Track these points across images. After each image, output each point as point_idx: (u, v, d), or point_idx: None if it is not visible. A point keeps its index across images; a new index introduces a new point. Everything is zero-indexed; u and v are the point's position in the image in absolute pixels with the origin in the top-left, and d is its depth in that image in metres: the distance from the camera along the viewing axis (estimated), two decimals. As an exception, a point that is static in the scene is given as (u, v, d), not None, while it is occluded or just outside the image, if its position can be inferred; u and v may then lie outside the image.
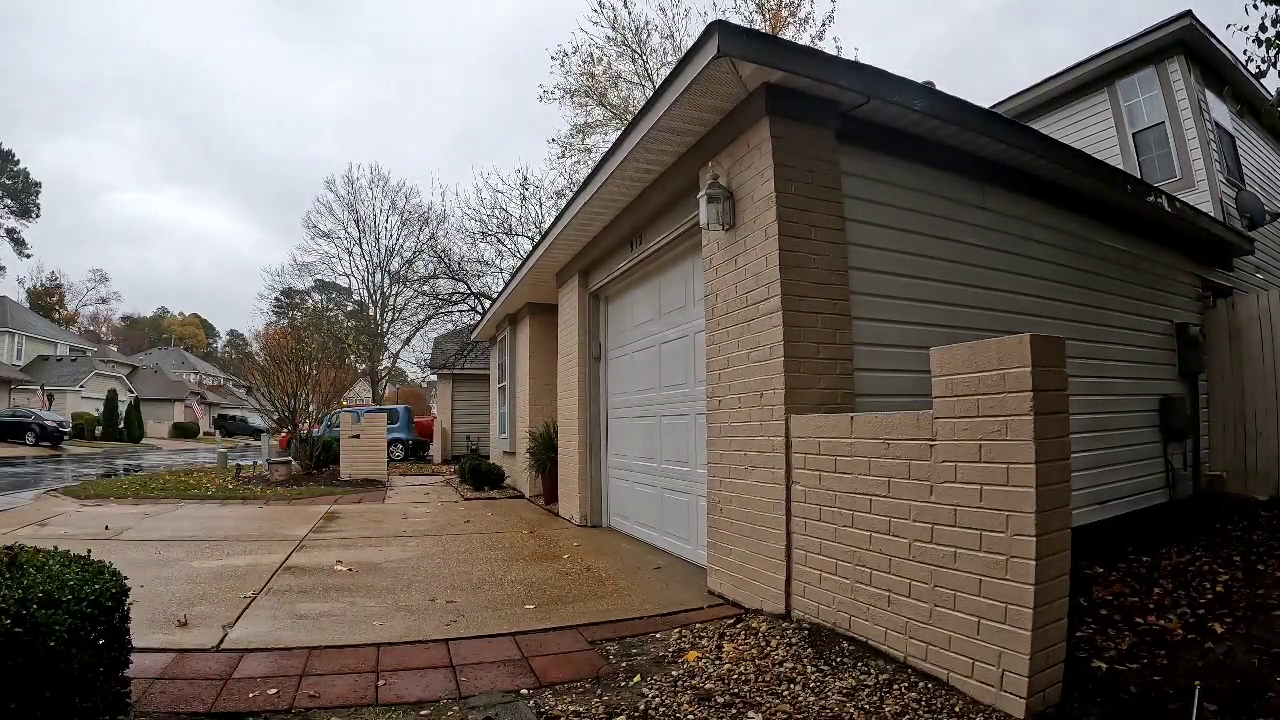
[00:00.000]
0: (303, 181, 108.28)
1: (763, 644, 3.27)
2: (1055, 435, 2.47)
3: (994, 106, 9.44)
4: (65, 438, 26.31)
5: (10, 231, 47.99)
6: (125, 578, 2.26)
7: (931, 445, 2.80)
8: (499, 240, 20.35)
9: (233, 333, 66.52)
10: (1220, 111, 8.78)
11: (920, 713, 2.49)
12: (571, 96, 19.21)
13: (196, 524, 6.90)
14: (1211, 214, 7.59)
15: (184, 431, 39.42)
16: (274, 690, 2.73)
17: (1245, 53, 5.03)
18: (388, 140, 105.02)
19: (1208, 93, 8.59)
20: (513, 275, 9.53)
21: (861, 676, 2.82)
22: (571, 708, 2.62)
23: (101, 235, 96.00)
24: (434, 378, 23.06)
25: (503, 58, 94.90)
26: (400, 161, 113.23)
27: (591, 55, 18.58)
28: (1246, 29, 4.75)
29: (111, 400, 32.32)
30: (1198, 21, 8.16)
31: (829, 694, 2.68)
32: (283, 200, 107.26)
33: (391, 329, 32.00)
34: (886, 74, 3.85)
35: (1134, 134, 8.93)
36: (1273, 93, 8.12)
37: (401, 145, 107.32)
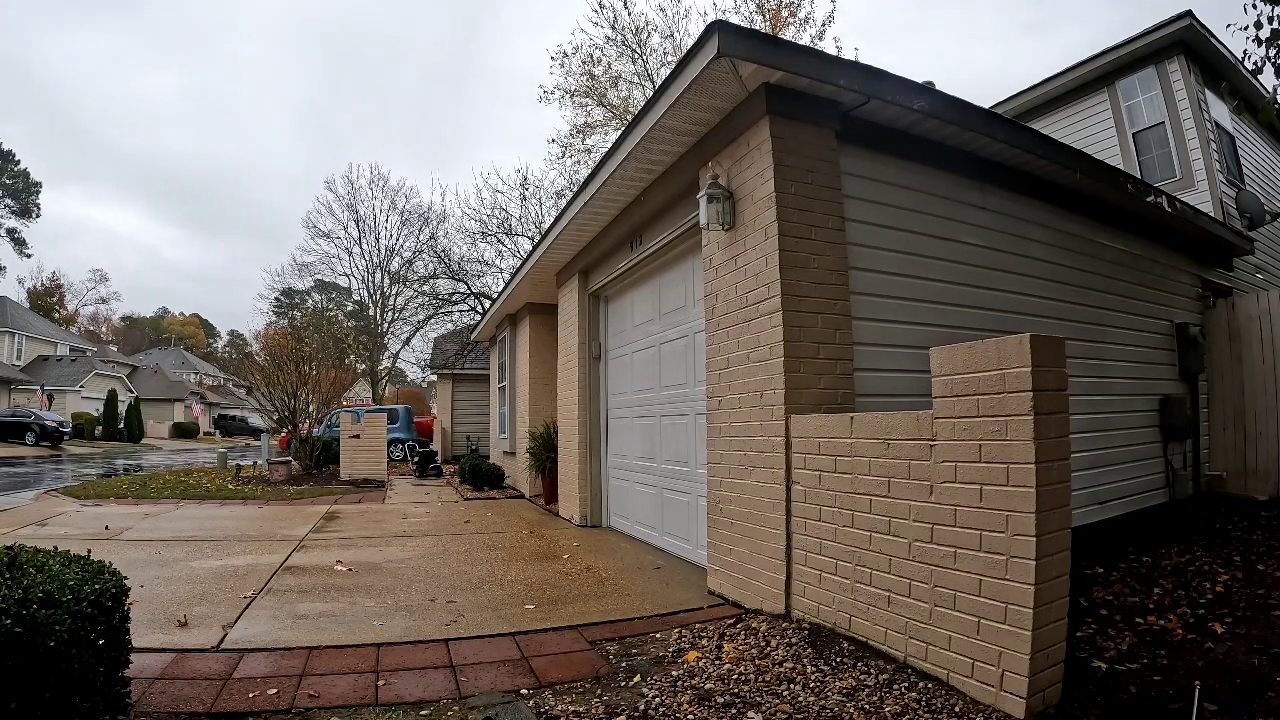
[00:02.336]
0: (180, 172, 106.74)
1: (763, 644, 3.27)
2: (1055, 435, 2.47)
3: (994, 106, 9.44)
4: (65, 438, 26.31)
5: (10, 231, 48.01)
6: (125, 578, 2.26)
7: (931, 445, 2.80)
8: (499, 240, 20.38)
9: (233, 333, 66.68)
10: (1220, 111, 8.78)
11: (920, 713, 2.49)
12: (571, 97, 19.24)
13: (196, 524, 6.90)
14: (1211, 214, 7.59)
15: (184, 431, 39.43)
16: (274, 690, 2.73)
17: (1245, 52, 5.02)
18: (230, 120, 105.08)
19: (1208, 93, 8.59)
20: (513, 275, 9.53)
21: (861, 676, 2.82)
22: (571, 708, 2.62)
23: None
24: (434, 378, 23.05)
25: (314, 22, 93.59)
26: (248, 142, 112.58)
27: (591, 55, 18.62)
28: (1246, 29, 4.74)
29: (111, 400, 32.33)
30: (1198, 21, 8.16)
31: (829, 694, 2.68)
32: (172, 191, 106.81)
33: (391, 329, 32.03)
34: (886, 74, 3.85)
35: (1134, 134, 8.94)
36: (1270, 91, 8.12)
37: (247, 125, 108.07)
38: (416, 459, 14.01)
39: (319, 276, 33.26)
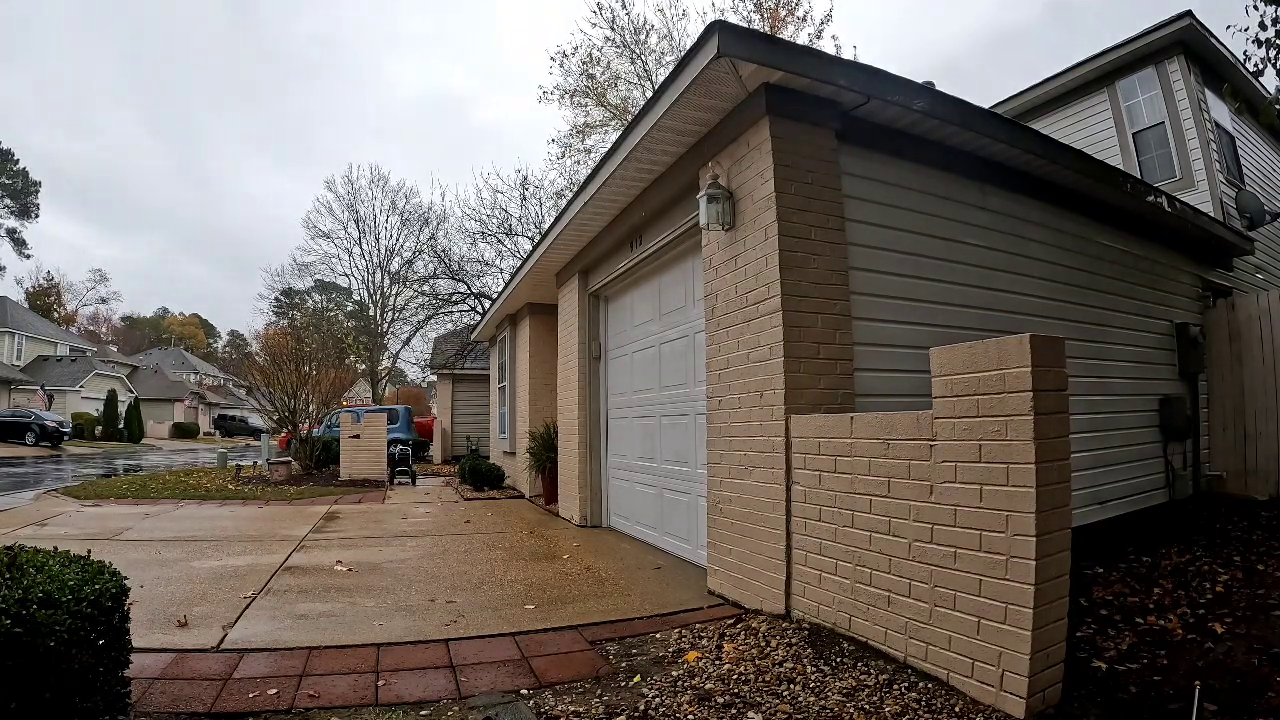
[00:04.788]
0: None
1: (763, 644, 3.27)
2: (1055, 435, 2.47)
3: (994, 106, 9.44)
4: (65, 438, 26.31)
5: (10, 231, 48.01)
6: (125, 578, 2.26)
7: (931, 445, 2.80)
8: (499, 240, 20.37)
9: (233, 333, 66.66)
10: (1220, 111, 8.78)
11: (920, 713, 2.49)
12: (571, 97, 19.25)
13: (196, 524, 6.90)
14: (1211, 214, 7.59)
15: (184, 431, 39.42)
16: (274, 690, 2.73)
17: (1245, 53, 5.02)
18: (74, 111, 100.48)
19: (1208, 93, 8.59)
20: (513, 275, 9.53)
21: (861, 676, 2.82)
22: (571, 708, 2.62)
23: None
24: (434, 378, 23.05)
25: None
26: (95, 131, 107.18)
27: (590, 56, 18.63)
28: (1246, 29, 4.74)
29: (111, 400, 32.32)
30: (1198, 22, 8.16)
31: (829, 694, 2.68)
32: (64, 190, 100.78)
33: (391, 329, 32.04)
34: (886, 74, 3.85)
35: (1134, 134, 8.94)
36: (1271, 91, 8.12)
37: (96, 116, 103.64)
38: (414, 457, 12.65)
39: (319, 276, 33.33)
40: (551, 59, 18.92)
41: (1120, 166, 8.08)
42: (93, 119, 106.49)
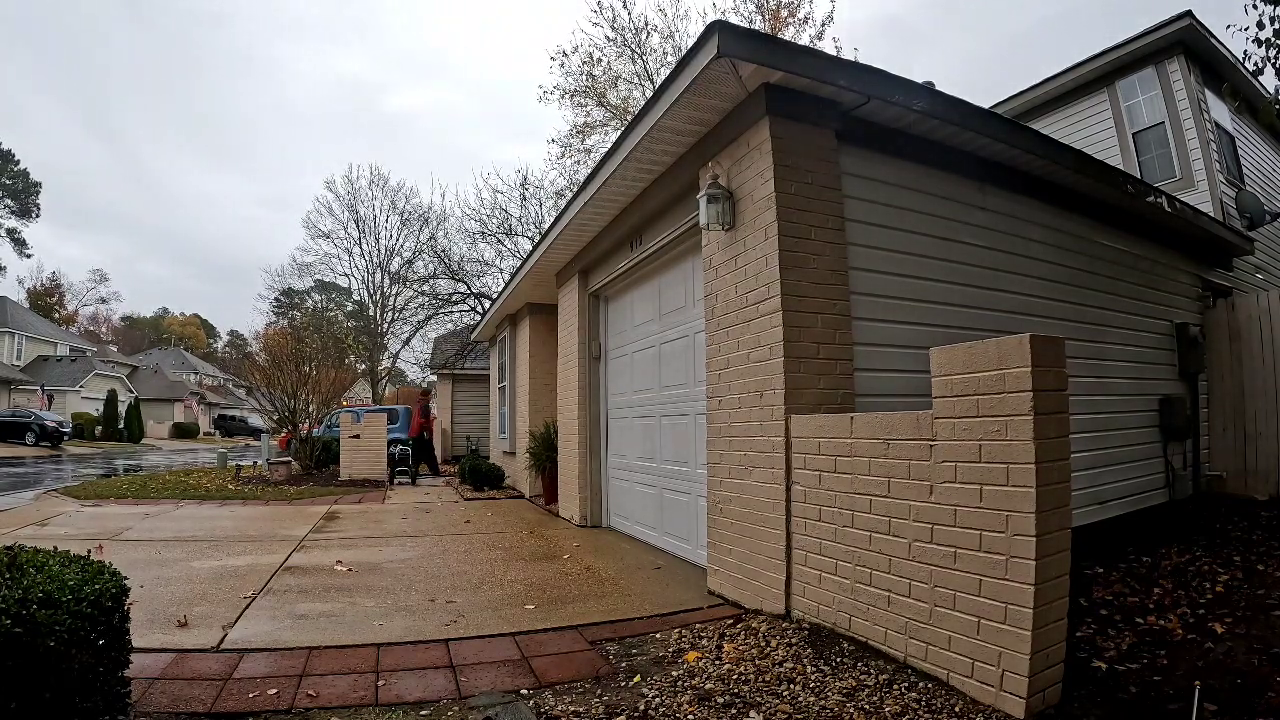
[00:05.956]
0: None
1: (763, 644, 3.27)
2: (1055, 435, 2.47)
3: (994, 106, 9.44)
4: (65, 438, 26.32)
5: (10, 231, 48.00)
6: (125, 578, 2.26)
7: (931, 445, 2.80)
8: (499, 240, 20.37)
9: (233, 333, 66.66)
10: (1220, 111, 8.78)
11: (920, 713, 2.49)
12: (571, 97, 19.25)
13: (196, 524, 6.90)
14: (1211, 214, 7.59)
15: (184, 432, 39.41)
16: (274, 690, 2.73)
17: (1245, 53, 5.03)
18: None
19: (1207, 93, 8.59)
20: (513, 275, 9.53)
21: (861, 676, 2.82)
22: (571, 708, 2.62)
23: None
24: (434, 378, 23.04)
25: None
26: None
27: (591, 56, 18.63)
28: (1246, 29, 4.74)
29: (111, 400, 32.33)
30: (1197, 22, 8.16)
31: (829, 694, 2.68)
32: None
33: (391, 329, 32.02)
34: (886, 74, 3.85)
35: (1134, 134, 8.94)
36: (1270, 91, 8.12)
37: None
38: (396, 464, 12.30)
39: (319, 277, 33.32)
40: (552, 59, 18.94)
41: (1120, 166, 8.08)
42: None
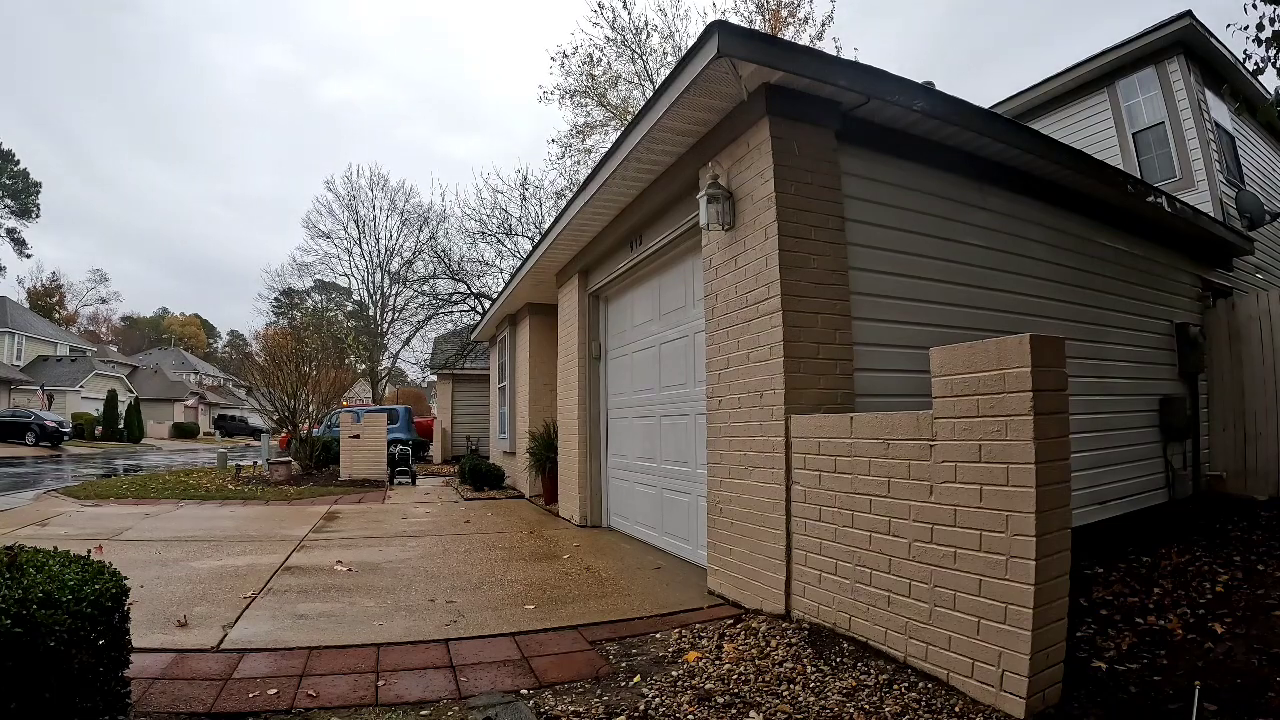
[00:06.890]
0: None
1: (763, 644, 3.27)
2: (1055, 435, 2.47)
3: (994, 106, 9.44)
4: (65, 438, 26.31)
5: (10, 231, 48.02)
6: (125, 578, 2.26)
7: (931, 445, 2.80)
8: (499, 240, 20.38)
9: (233, 333, 66.68)
10: (1220, 111, 8.78)
11: (920, 713, 2.49)
12: (571, 97, 19.26)
13: (196, 524, 6.90)
14: (1211, 214, 7.59)
15: (184, 432, 39.40)
16: (274, 690, 2.73)
17: (1245, 53, 5.04)
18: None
19: (1207, 93, 8.59)
20: (513, 275, 9.53)
21: (861, 676, 2.82)
22: (571, 708, 2.62)
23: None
24: (434, 378, 23.05)
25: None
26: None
27: (591, 56, 18.63)
28: (1246, 29, 4.75)
29: (111, 400, 32.31)
30: (1197, 22, 8.16)
31: (829, 694, 2.68)
32: None
33: (391, 329, 32.03)
34: (886, 74, 3.85)
35: (1134, 134, 8.94)
36: (1271, 91, 8.13)
37: None
38: (414, 457, 12.30)
39: (319, 276, 33.31)
40: (552, 59, 18.97)
41: (1120, 166, 8.08)
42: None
